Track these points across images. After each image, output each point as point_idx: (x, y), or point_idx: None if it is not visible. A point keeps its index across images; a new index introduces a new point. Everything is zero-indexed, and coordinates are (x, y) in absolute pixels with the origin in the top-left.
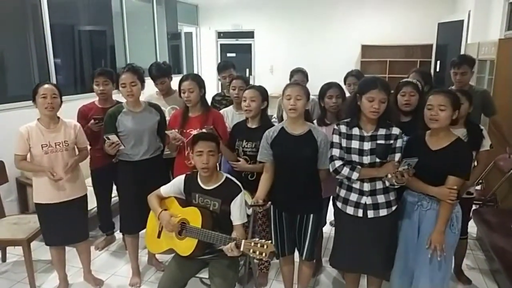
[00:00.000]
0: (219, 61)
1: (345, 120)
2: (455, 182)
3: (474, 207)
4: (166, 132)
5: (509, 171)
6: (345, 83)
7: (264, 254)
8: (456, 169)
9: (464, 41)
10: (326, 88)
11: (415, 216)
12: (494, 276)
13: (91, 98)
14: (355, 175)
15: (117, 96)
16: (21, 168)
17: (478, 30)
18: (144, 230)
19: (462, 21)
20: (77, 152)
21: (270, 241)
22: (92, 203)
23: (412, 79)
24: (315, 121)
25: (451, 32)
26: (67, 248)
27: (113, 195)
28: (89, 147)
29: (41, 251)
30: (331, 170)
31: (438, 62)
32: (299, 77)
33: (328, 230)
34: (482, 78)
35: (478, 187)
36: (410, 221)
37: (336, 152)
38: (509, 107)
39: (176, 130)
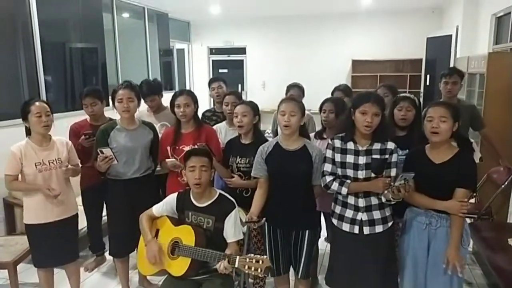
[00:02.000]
0: (211, 77)
1: (340, 135)
2: (465, 194)
3: (469, 220)
4: (167, 160)
5: (503, 184)
6: None
7: (259, 270)
8: (464, 181)
9: (453, 55)
10: (323, 102)
11: (424, 236)
12: None
13: (82, 115)
14: (344, 190)
15: (110, 113)
16: (13, 188)
17: (467, 44)
18: (134, 251)
19: (450, 36)
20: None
21: (265, 256)
22: (82, 223)
23: (381, 93)
24: (310, 135)
25: (440, 46)
26: (55, 270)
27: (103, 214)
28: (80, 165)
29: (28, 273)
30: (322, 185)
31: (428, 76)
32: (295, 92)
33: (323, 246)
34: (472, 92)
35: (472, 200)
36: (419, 241)
37: (328, 167)
38: (500, 119)
39: (175, 159)
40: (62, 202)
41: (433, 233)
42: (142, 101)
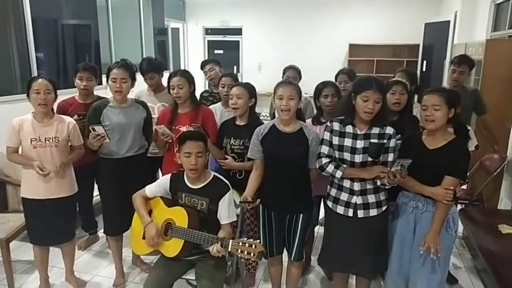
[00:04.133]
0: (206, 57)
1: (339, 118)
2: (452, 182)
3: (459, 206)
4: (155, 127)
5: (495, 171)
6: (335, 81)
7: (252, 254)
8: (453, 169)
9: (451, 42)
10: (322, 87)
11: (410, 218)
12: (480, 275)
13: (74, 94)
14: (338, 174)
15: (101, 92)
16: (12, 160)
17: (464, 31)
18: (128, 230)
19: (449, 21)
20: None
21: (258, 241)
22: None
23: (400, 79)
24: (308, 120)
25: (437, 32)
26: (50, 247)
27: (95, 194)
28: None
29: (21, 251)
30: (317, 166)
31: (425, 62)
32: (291, 73)
33: (317, 229)
34: (468, 78)
35: (464, 187)
36: (406, 223)
37: (324, 149)
38: (497, 107)
39: (164, 126)
40: (58, 181)
41: (419, 216)
42: (141, 81)
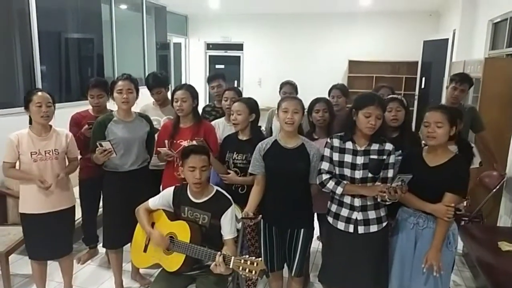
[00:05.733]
0: (207, 72)
1: (339, 134)
2: (453, 199)
3: (461, 222)
4: (158, 149)
5: (495, 188)
6: (329, 96)
7: (254, 272)
8: (453, 186)
9: (449, 59)
10: (314, 102)
11: (411, 235)
12: None
13: (76, 107)
14: (339, 190)
15: (111, 105)
16: (9, 176)
17: (463, 49)
18: (128, 244)
19: (447, 39)
20: (67, 162)
21: (260, 259)
22: (77, 214)
23: (384, 93)
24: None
25: (436, 50)
26: (48, 261)
27: (99, 206)
28: (79, 156)
29: (20, 264)
30: (317, 182)
31: (423, 79)
32: (288, 89)
33: (315, 245)
34: (467, 96)
35: (464, 204)
36: (407, 240)
37: (325, 166)
38: (495, 124)
39: (166, 148)
40: (58, 193)
41: (419, 233)
42: (147, 94)
